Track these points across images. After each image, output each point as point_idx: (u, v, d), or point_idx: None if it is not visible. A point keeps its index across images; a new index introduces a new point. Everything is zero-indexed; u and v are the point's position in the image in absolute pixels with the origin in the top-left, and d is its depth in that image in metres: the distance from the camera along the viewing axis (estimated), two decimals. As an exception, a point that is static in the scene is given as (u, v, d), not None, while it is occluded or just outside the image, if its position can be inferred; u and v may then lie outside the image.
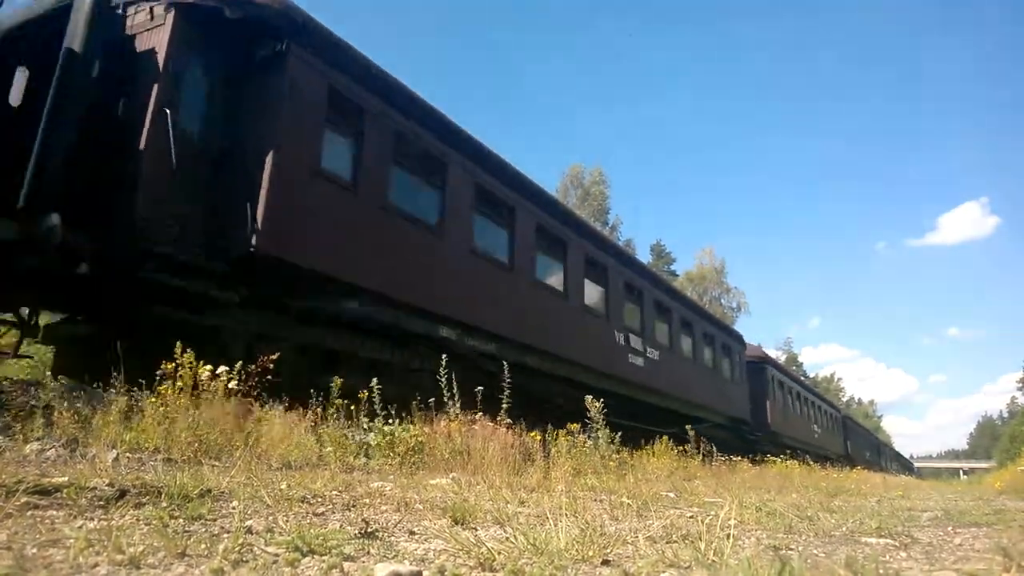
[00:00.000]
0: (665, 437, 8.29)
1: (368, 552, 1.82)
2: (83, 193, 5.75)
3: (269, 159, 6.37)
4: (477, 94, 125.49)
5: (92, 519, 1.93)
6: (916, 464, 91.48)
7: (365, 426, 5.23)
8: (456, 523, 2.47)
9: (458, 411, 5.55)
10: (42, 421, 3.79)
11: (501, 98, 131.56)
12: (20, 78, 5.77)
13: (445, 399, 5.50)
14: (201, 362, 4.34)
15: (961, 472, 62.33)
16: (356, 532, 2.06)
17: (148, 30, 6.36)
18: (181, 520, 1.99)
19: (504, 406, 5.59)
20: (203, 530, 1.91)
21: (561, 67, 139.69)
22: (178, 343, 4.22)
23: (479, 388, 5.52)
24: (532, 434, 6.10)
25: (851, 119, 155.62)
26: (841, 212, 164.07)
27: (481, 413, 5.63)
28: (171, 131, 6.00)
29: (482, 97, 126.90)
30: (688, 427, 7.98)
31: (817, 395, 32.66)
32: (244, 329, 6.40)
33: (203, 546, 1.67)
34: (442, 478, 4.14)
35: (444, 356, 5.62)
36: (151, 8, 6.40)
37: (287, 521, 2.13)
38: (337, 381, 5.11)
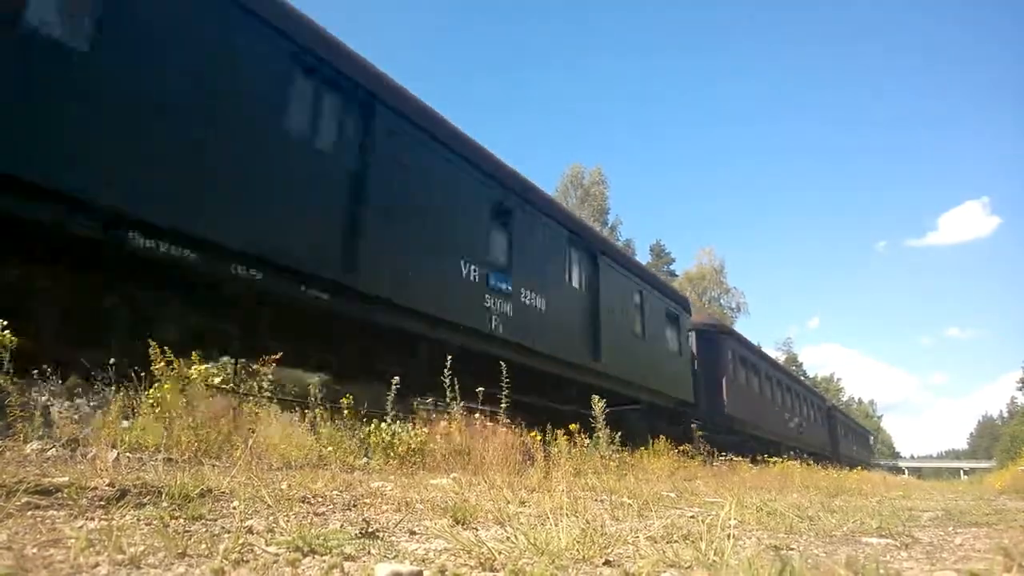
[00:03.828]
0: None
1: (369, 552, 1.82)
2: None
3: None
4: (478, 91, 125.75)
5: (93, 519, 1.93)
6: (915, 463, 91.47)
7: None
8: (457, 523, 2.46)
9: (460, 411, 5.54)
10: (42, 421, 3.78)
11: (502, 96, 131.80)
12: None
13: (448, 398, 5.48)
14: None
15: (962, 472, 62.23)
16: (357, 532, 2.06)
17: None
18: (182, 520, 1.99)
19: (503, 405, 5.59)
20: (204, 530, 1.91)
21: (562, 67, 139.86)
22: None
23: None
24: (532, 434, 6.11)
25: (851, 119, 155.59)
26: (841, 212, 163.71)
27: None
28: None
29: (482, 94, 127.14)
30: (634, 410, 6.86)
31: (796, 380, 28.88)
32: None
33: (204, 546, 1.66)
34: (443, 478, 4.14)
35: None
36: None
37: (288, 521, 2.13)
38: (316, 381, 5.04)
